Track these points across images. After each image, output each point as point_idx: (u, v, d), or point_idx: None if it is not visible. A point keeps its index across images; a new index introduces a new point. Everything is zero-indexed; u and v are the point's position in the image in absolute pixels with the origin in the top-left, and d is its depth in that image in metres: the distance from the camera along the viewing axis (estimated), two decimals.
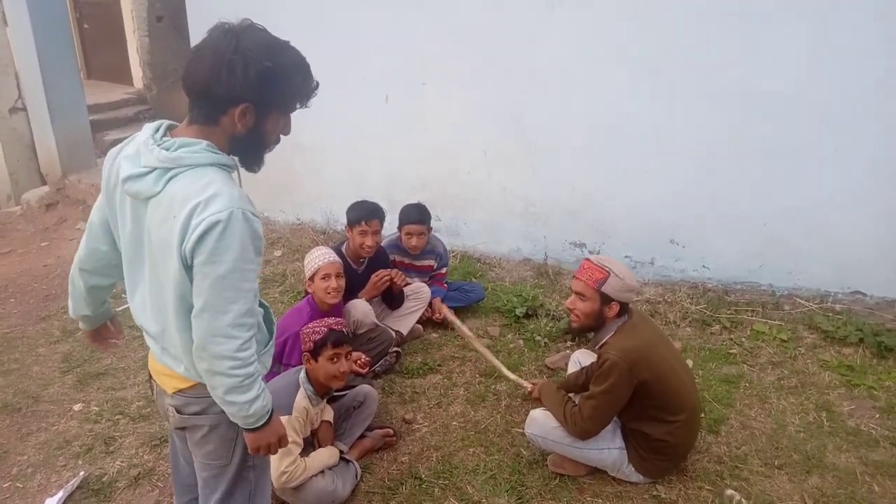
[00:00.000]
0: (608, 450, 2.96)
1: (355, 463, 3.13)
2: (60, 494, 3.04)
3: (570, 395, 3.15)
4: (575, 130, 4.71)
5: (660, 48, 4.34)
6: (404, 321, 4.16)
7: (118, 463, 3.29)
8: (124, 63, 10.42)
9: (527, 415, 3.50)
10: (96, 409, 3.74)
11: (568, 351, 4.07)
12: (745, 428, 3.37)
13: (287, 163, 5.89)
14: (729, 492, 2.92)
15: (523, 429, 3.15)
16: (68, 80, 7.07)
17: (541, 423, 3.02)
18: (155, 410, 3.68)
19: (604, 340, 2.89)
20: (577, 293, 2.94)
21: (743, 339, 4.17)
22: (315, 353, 2.84)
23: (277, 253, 5.76)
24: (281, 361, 3.41)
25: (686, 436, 2.94)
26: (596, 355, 3.43)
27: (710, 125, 4.35)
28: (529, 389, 3.52)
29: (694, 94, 4.33)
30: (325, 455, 2.98)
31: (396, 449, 3.34)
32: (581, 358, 3.48)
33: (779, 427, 3.36)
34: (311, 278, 3.41)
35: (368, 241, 3.85)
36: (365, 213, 3.85)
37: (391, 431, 3.36)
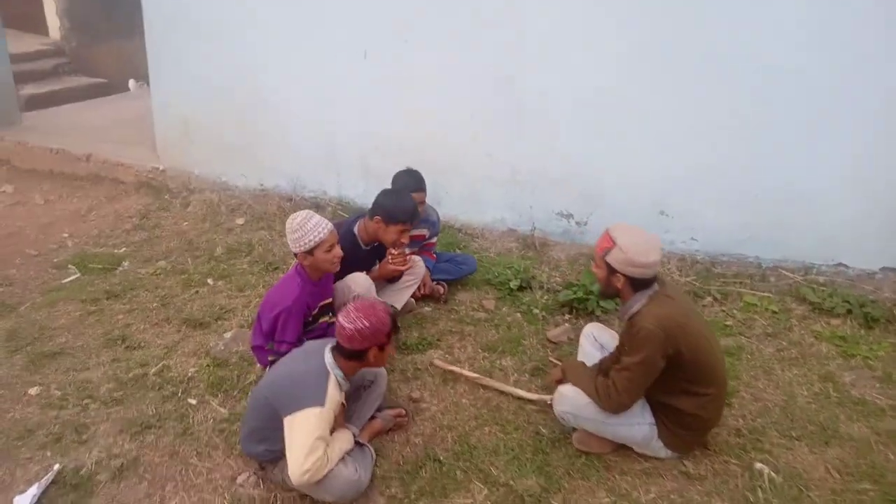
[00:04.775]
0: (638, 425, 2.86)
1: (369, 447, 2.90)
2: (33, 491, 2.65)
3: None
4: (566, 96, 4.55)
5: (657, 16, 4.21)
6: (400, 295, 3.90)
7: (96, 453, 2.92)
8: (38, 10, 9.40)
9: (538, 390, 3.41)
10: (58, 392, 3.32)
11: (568, 325, 3.96)
12: (757, 400, 3.36)
13: (248, 121, 5.47)
14: (758, 465, 2.88)
15: (551, 406, 3.00)
16: None
17: (572, 399, 2.88)
18: (130, 394, 3.30)
19: (635, 310, 2.76)
20: (593, 257, 2.87)
21: (735, 311, 4.18)
22: (385, 345, 2.64)
23: (240, 221, 5.35)
24: (273, 338, 3.10)
25: (716, 410, 2.88)
26: (609, 330, 3.37)
27: (704, 97, 4.28)
28: (549, 401, 3.28)
29: (689, 66, 4.24)
30: (343, 440, 2.73)
31: (407, 430, 3.13)
32: (595, 332, 3.36)
33: (789, 399, 3.37)
34: (311, 251, 3.06)
35: (405, 240, 3.57)
36: (411, 216, 3.53)
37: (403, 412, 3.14)
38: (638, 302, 2.76)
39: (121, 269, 4.68)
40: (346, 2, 4.77)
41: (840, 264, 4.40)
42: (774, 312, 4.14)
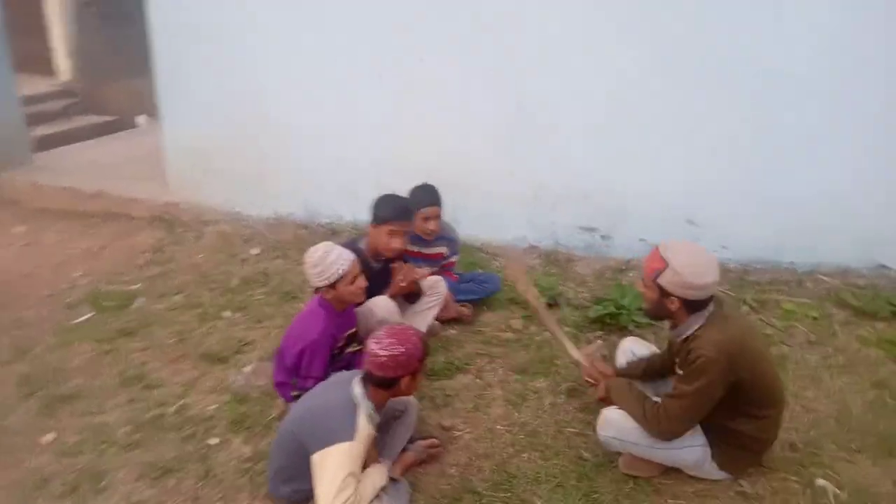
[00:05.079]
0: (690, 448, 2.67)
1: (403, 481, 2.73)
2: None
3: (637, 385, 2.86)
4: (585, 109, 4.45)
5: (676, 25, 4.14)
6: (422, 318, 3.75)
7: (114, 502, 2.76)
8: (46, 53, 9.47)
9: (576, 412, 3.24)
10: (74, 438, 3.17)
11: (600, 341, 3.79)
12: (809, 411, 3.18)
13: (260, 150, 5.39)
14: (820, 482, 2.70)
15: (596, 431, 2.82)
16: None
17: (618, 424, 2.70)
18: (148, 436, 3.16)
19: (690, 332, 2.58)
20: (642, 277, 2.66)
21: (774, 320, 4.01)
22: (418, 371, 2.49)
23: (255, 251, 5.23)
24: (298, 374, 2.96)
25: (775, 430, 2.70)
26: (647, 343, 3.20)
27: (728, 103, 4.18)
28: (584, 372, 3.13)
29: (711, 72, 4.15)
30: (375, 476, 2.56)
31: (441, 461, 2.96)
32: (633, 347, 3.19)
33: (843, 408, 3.18)
34: (334, 285, 2.93)
35: (398, 244, 3.40)
36: (398, 213, 3.38)
37: (437, 442, 2.97)
38: (694, 324, 2.57)
39: (135, 305, 4.57)
40: (359, 24, 4.71)
41: (881, 266, 4.23)
42: (815, 319, 3.97)
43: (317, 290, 2.97)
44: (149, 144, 7.23)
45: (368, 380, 2.50)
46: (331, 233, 5.39)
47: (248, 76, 5.23)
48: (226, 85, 5.32)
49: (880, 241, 4.17)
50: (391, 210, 3.35)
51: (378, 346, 2.44)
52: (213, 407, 3.38)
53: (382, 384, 2.48)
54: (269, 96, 5.21)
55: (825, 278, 4.27)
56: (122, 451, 3.08)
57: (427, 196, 3.79)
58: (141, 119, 9.01)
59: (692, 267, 2.47)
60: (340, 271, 2.86)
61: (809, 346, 3.74)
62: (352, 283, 2.91)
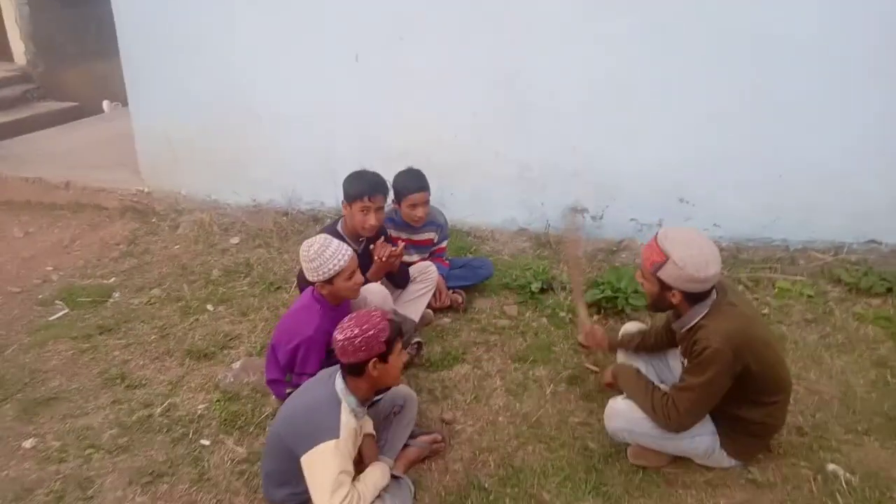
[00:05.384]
0: (700, 436, 2.61)
1: (406, 479, 2.63)
2: None
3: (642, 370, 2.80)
4: (574, 86, 4.32)
5: None
6: (414, 306, 3.64)
7: None
8: (1, 36, 9.01)
9: (578, 400, 3.18)
10: (56, 443, 3.01)
11: (598, 326, 3.71)
12: (813, 393, 3.14)
13: (237, 135, 5.18)
14: (831, 467, 2.66)
15: (603, 422, 2.75)
16: None
17: (626, 415, 2.63)
18: (136, 439, 3.01)
19: (694, 322, 2.50)
20: (640, 269, 2.59)
21: (769, 299, 3.98)
22: (386, 354, 2.31)
23: (235, 240, 5.06)
24: (293, 370, 2.84)
25: (783, 415, 2.66)
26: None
27: (719, 77, 4.08)
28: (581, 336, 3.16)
29: (701, 44, 4.04)
30: (377, 475, 2.46)
31: (444, 456, 2.87)
32: (632, 329, 3.12)
33: (846, 389, 3.15)
34: (331, 280, 2.79)
35: (372, 220, 3.28)
36: (368, 188, 3.26)
37: (439, 437, 2.87)
38: (698, 314, 2.50)
39: (112, 300, 4.37)
40: (336, 2, 4.50)
41: (871, 241, 4.22)
42: (810, 297, 3.94)
43: (312, 284, 2.84)
44: (116, 131, 6.94)
45: (343, 370, 2.39)
46: (312, 219, 5.23)
47: (221, 58, 4.98)
48: (198, 68, 5.07)
49: (871, 216, 4.15)
50: (359, 186, 3.25)
51: (337, 331, 2.34)
52: (203, 406, 3.24)
53: (352, 371, 2.35)
54: (245, 79, 4.98)
55: (818, 255, 4.25)
56: (109, 455, 2.93)
57: (414, 182, 3.65)
58: (105, 104, 8.65)
59: (693, 259, 2.38)
60: (338, 266, 2.73)
61: (807, 324, 3.71)
62: (349, 278, 2.79)
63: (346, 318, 2.37)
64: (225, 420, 3.12)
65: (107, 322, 4.05)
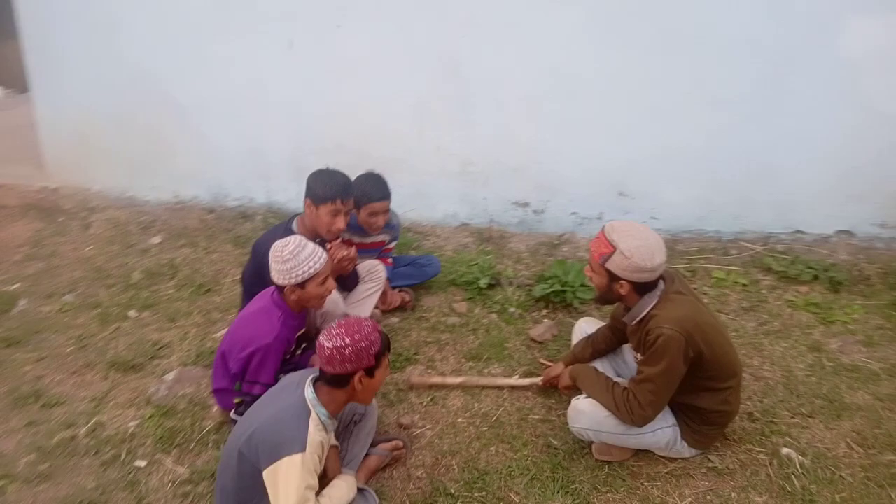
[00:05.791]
0: (662, 430, 2.63)
1: (370, 490, 2.49)
2: None
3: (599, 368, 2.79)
4: (516, 79, 4.28)
5: None
6: (362, 306, 3.49)
7: None
8: None
9: (536, 397, 3.13)
10: None
11: (548, 321, 3.70)
12: (758, 379, 3.24)
13: (156, 127, 4.81)
14: (785, 451, 2.74)
15: (568, 423, 2.70)
16: None
17: (590, 415, 2.60)
18: (59, 465, 2.70)
19: (644, 313, 2.51)
20: (589, 262, 2.60)
21: (706, 288, 4.08)
22: (373, 368, 2.19)
23: (156, 239, 4.71)
24: (244, 378, 2.63)
25: (737, 400, 2.70)
26: (601, 323, 3.13)
27: (661, 71, 4.14)
28: (541, 382, 3.08)
29: (644, 40, 4.09)
30: (343, 489, 2.31)
31: (405, 463, 2.74)
32: (587, 328, 3.11)
33: (788, 374, 3.27)
34: (303, 284, 2.60)
35: (341, 223, 3.08)
36: (341, 191, 3.05)
37: (400, 443, 2.74)
38: (647, 305, 2.51)
39: (17, 309, 3.95)
40: None
41: (797, 231, 4.41)
42: (744, 285, 4.07)
43: (280, 288, 2.63)
44: (13, 121, 6.34)
45: (321, 380, 2.23)
46: (241, 216, 4.94)
47: (138, 39, 4.60)
48: (110, 53, 4.66)
49: (796, 207, 4.34)
50: (332, 187, 3.03)
51: (325, 338, 2.18)
52: (134, 423, 2.97)
53: (334, 382, 2.21)
54: (165, 63, 4.63)
55: (748, 245, 4.41)
56: (27, 485, 2.63)
57: (376, 190, 3.45)
58: None
59: (640, 250, 2.41)
60: (313, 269, 2.54)
61: (744, 312, 3.83)
62: (323, 283, 2.61)
63: (334, 325, 2.21)
64: (161, 437, 2.86)
65: (13, 334, 3.66)
